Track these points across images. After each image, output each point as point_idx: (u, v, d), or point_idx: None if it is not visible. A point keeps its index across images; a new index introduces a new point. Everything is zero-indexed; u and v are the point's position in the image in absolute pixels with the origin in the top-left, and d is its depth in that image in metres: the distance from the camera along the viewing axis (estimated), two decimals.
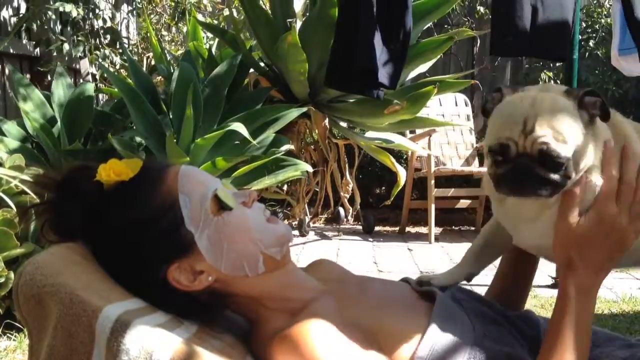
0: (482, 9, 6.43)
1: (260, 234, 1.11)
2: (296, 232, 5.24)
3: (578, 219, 1.06)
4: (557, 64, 6.25)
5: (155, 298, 1.05)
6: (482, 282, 1.47)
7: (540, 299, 3.29)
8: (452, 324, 1.12)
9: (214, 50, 3.92)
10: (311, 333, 0.99)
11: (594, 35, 6.45)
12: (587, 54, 6.34)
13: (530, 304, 3.19)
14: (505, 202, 1.16)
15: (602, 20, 6.47)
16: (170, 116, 2.94)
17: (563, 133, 1.02)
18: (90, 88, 3.12)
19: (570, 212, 1.07)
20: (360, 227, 5.80)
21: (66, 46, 4.07)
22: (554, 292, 3.47)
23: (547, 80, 6.42)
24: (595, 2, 6.76)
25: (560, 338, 1.03)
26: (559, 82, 6.24)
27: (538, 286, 3.56)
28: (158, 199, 1.07)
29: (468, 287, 1.34)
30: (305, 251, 4.70)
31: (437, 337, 1.07)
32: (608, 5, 6.43)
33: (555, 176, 1.03)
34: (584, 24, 6.39)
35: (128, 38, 5.50)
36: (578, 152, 1.03)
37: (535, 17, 2.34)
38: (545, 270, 3.77)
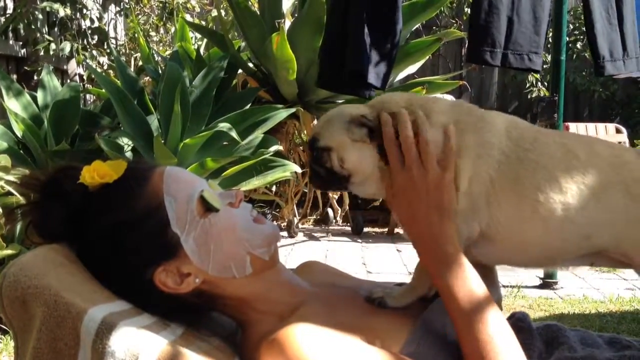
0: (469, 11, 6.45)
1: (247, 234, 1.10)
2: (285, 233, 5.23)
3: (393, 205, 1.13)
4: (545, 66, 6.29)
5: (141, 300, 1.04)
6: None
7: (528, 299, 3.30)
8: (439, 326, 1.12)
9: (202, 50, 3.92)
10: (299, 338, 0.98)
11: (582, 37, 6.49)
12: (574, 55, 6.38)
13: (518, 305, 3.19)
14: None
15: None
16: (158, 117, 2.93)
17: (324, 134, 1.15)
18: (77, 89, 3.10)
19: (388, 202, 1.14)
20: (349, 228, 5.80)
21: (53, 46, 4.04)
22: (542, 293, 3.49)
23: (534, 82, 6.45)
24: (582, 4, 6.81)
25: (457, 320, 1.03)
26: (546, 83, 6.27)
27: (526, 287, 3.58)
28: (143, 201, 1.06)
29: None
30: (294, 252, 4.69)
31: (423, 337, 1.07)
32: None
33: (319, 168, 1.16)
34: (571, 26, 6.43)
35: (116, 38, 5.48)
36: (340, 148, 1.13)
37: (511, 29, 2.38)
38: (533, 271, 3.79)
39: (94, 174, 1.05)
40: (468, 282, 1.04)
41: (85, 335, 0.89)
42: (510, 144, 1.12)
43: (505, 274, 3.69)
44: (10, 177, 2.20)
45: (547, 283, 3.62)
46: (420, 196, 1.09)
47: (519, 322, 1.26)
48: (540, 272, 3.70)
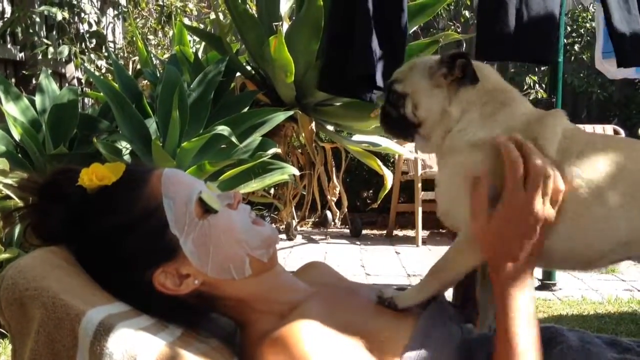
0: (467, 13, 6.46)
1: (245, 236, 1.10)
2: (283, 236, 5.24)
3: (487, 220, 1.08)
4: (542, 68, 6.30)
5: (140, 302, 1.04)
6: None
7: None
8: (440, 327, 1.12)
9: (200, 54, 3.92)
10: (302, 333, 0.99)
11: (579, 39, 6.50)
12: (572, 57, 6.39)
13: None
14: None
15: (587, 25, 6.53)
16: (156, 120, 2.93)
17: (405, 75, 1.19)
18: (75, 92, 3.10)
19: (477, 215, 1.09)
20: (348, 231, 5.81)
21: (51, 50, 4.04)
22: (540, 294, 3.49)
23: (532, 84, 6.46)
24: (580, 6, 6.82)
25: (505, 342, 1.03)
26: (544, 85, 6.28)
27: None
28: (141, 202, 1.07)
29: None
30: (292, 255, 4.69)
31: (424, 340, 1.07)
32: (592, 10, 6.48)
33: (392, 111, 1.20)
34: (568, 28, 6.44)
35: (114, 42, 5.47)
36: (414, 96, 1.17)
37: (521, 21, 2.35)
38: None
39: (93, 176, 1.05)
40: (527, 306, 1.05)
41: (83, 337, 0.89)
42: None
43: None
44: (9, 181, 2.20)
45: (546, 284, 3.62)
46: (526, 225, 1.07)
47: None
48: (538, 274, 3.70)
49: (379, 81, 2.34)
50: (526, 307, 1.05)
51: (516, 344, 1.02)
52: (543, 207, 1.06)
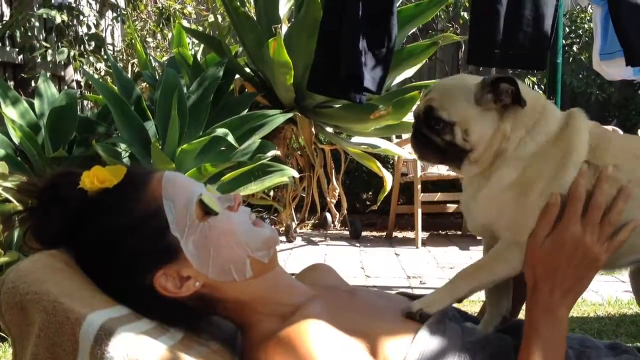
0: (466, 15, 6.46)
1: (246, 238, 1.10)
2: (283, 238, 5.23)
3: (544, 238, 1.09)
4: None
5: (141, 305, 1.04)
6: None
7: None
8: (442, 328, 1.12)
9: (199, 56, 3.92)
10: (309, 333, 0.99)
11: (578, 40, 6.51)
12: (570, 58, 6.39)
13: None
14: (464, 187, 1.25)
15: (586, 26, 6.53)
16: (156, 123, 2.93)
17: (447, 101, 1.14)
18: (74, 95, 3.10)
19: (539, 230, 1.10)
20: (347, 233, 5.80)
21: (50, 53, 4.04)
22: None
23: (531, 85, 6.46)
24: (578, 7, 6.82)
25: None
26: (542, 87, 6.29)
27: None
28: (142, 205, 1.07)
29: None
30: (292, 257, 4.69)
31: (426, 341, 1.07)
32: (591, 11, 6.48)
33: (437, 138, 1.16)
34: (567, 29, 6.44)
35: (113, 45, 5.48)
36: (464, 123, 1.14)
37: (513, 28, 2.36)
38: None
39: (94, 179, 1.05)
40: (557, 348, 1.06)
41: (83, 341, 0.89)
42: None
43: None
44: (8, 184, 2.19)
45: None
46: (574, 261, 1.08)
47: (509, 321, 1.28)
48: None
49: (368, 83, 2.34)
50: (554, 337, 1.06)
51: None
52: (593, 241, 1.08)
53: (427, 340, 1.07)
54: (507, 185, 1.14)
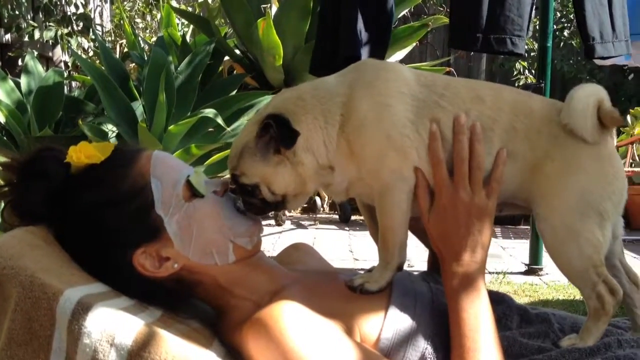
0: None
1: (230, 222, 1.10)
2: (272, 222, 5.23)
3: (429, 212, 1.10)
4: (532, 53, 6.30)
5: (119, 282, 1.03)
6: None
7: (514, 285, 3.32)
8: (411, 298, 1.12)
9: (188, 37, 3.89)
10: (282, 314, 0.99)
11: (569, 25, 6.50)
12: (561, 43, 6.39)
13: (503, 290, 3.21)
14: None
15: None
16: (143, 103, 2.91)
17: (242, 165, 1.12)
18: (61, 74, 3.07)
19: (422, 203, 1.10)
20: (337, 216, 5.81)
21: (37, 32, 4.00)
22: (527, 279, 3.51)
23: (522, 70, 6.46)
24: None
25: (459, 336, 1.03)
26: (533, 71, 6.29)
27: (511, 273, 3.60)
28: (129, 180, 1.06)
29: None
30: (281, 240, 4.69)
31: (398, 316, 1.07)
32: None
33: (255, 200, 1.14)
34: (558, 14, 6.43)
35: (101, 25, 5.43)
36: (264, 181, 1.12)
37: (493, 12, 2.36)
38: (519, 257, 3.80)
39: (81, 154, 1.05)
40: (479, 310, 1.05)
41: (60, 316, 0.88)
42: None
43: (491, 260, 3.71)
44: None
45: (533, 269, 3.63)
46: (460, 220, 1.08)
47: (498, 295, 1.27)
48: (525, 259, 3.72)
49: None
50: (475, 301, 1.05)
51: (467, 343, 1.02)
52: (469, 194, 1.08)
53: (398, 315, 1.08)
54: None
